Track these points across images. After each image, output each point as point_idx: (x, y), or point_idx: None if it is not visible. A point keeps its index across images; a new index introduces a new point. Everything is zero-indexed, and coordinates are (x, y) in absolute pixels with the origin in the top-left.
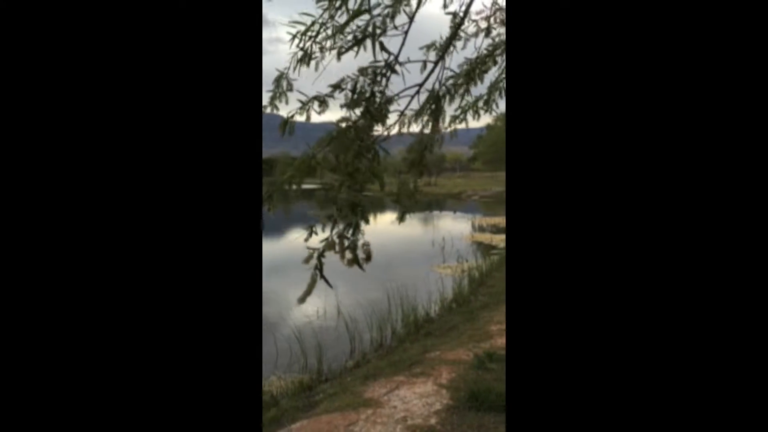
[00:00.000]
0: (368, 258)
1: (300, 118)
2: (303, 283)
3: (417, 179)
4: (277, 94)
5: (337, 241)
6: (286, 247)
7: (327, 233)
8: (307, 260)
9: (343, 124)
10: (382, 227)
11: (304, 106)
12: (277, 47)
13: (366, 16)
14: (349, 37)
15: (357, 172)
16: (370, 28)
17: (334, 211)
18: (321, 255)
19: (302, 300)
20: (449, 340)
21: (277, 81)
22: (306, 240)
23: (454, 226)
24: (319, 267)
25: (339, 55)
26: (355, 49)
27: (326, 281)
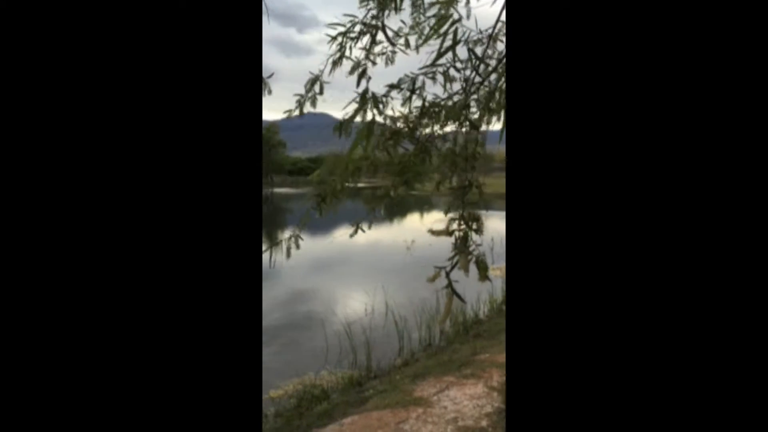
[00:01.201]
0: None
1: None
2: (347, 280)
3: (477, 177)
4: (308, 98)
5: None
6: (329, 245)
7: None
8: (433, 279)
9: (399, 123)
10: (431, 226)
11: (363, 105)
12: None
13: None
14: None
15: (409, 170)
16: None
17: (381, 211)
18: (448, 273)
19: (443, 321)
20: (498, 343)
21: (311, 83)
22: (351, 236)
23: (503, 227)
24: (450, 284)
25: (435, 66)
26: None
27: (459, 297)
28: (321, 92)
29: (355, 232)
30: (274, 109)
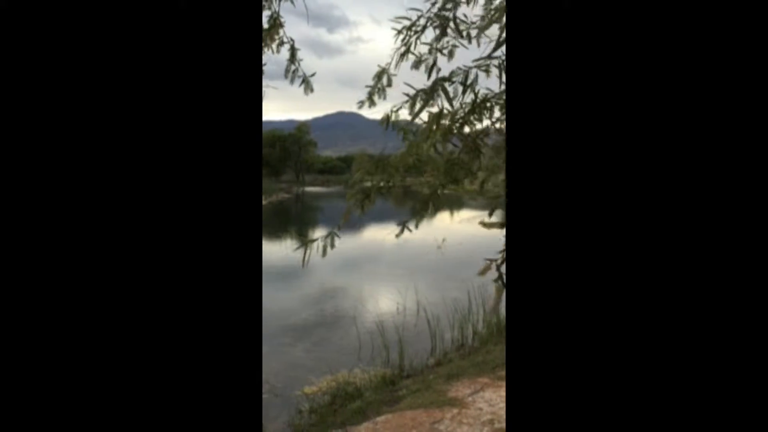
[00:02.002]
0: None
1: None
2: (377, 278)
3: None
4: (377, 89)
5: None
6: (359, 243)
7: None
8: (483, 272)
9: (446, 121)
10: (461, 225)
11: (414, 99)
12: (357, 46)
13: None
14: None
15: (459, 167)
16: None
17: (418, 209)
18: (499, 266)
19: (494, 311)
20: None
21: (378, 76)
22: (397, 236)
23: None
24: (501, 277)
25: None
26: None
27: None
28: (389, 84)
29: (402, 231)
30: (306, 109)
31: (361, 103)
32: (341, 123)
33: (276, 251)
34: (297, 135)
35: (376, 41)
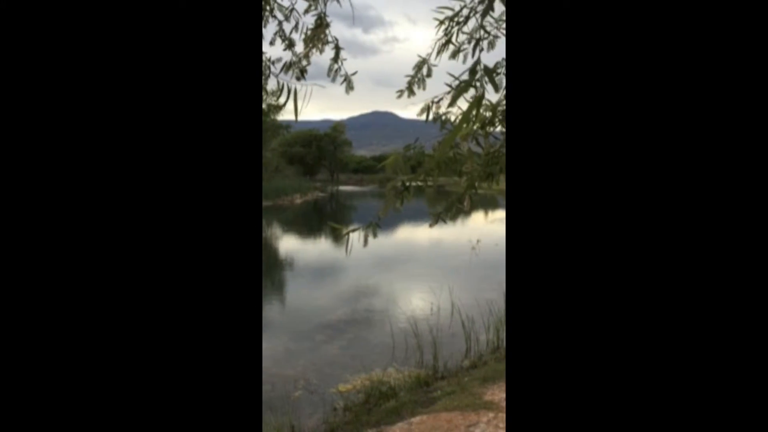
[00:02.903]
0: None
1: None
2: (411, 278)
3: None
4: (416, 80)
5: None
6: (392, 242)
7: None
8: None
9: (488, 113)
10: (496, 226)
11: (456, 89)
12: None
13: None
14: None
15: (496, 162)
16: None
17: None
18: None
19: None
20: None
21: (419, 66)
22: (431, 226)
23: None
24: None
25: None
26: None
27: None
28: (429, 74)
29: (436, 221)
30: (341, 108)
31: (400, 93)
32: (376, 122)
33: (311, 249)
34: (332, 134)
35: (411, 41)
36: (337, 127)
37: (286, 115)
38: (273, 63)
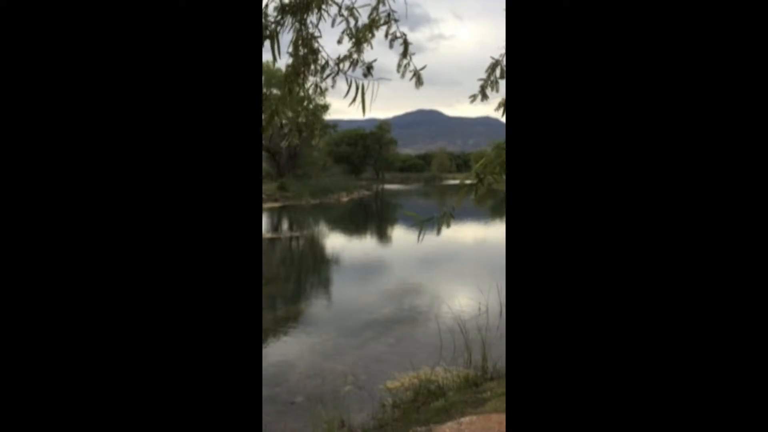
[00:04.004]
0: None
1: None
2: (457, 277)
3: None
4: (489, 82)
5: None
6: (439, 241)
7: None
8: None
9: None
10: None
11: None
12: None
13: None
14: None
15: None
16: None
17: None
18: None
19: None
20: None
21: (492, 68)
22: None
23: None
24: None
25: None
26: None
27: None
28: (503, 76)
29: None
30: (387, 107)
31: (473, 98)
32: (421, 121)
33: (356, 247)
34: (378, 133)
35: (457, 38)
36: (382, 125)
37: (333, 114)
38: (341, 61)
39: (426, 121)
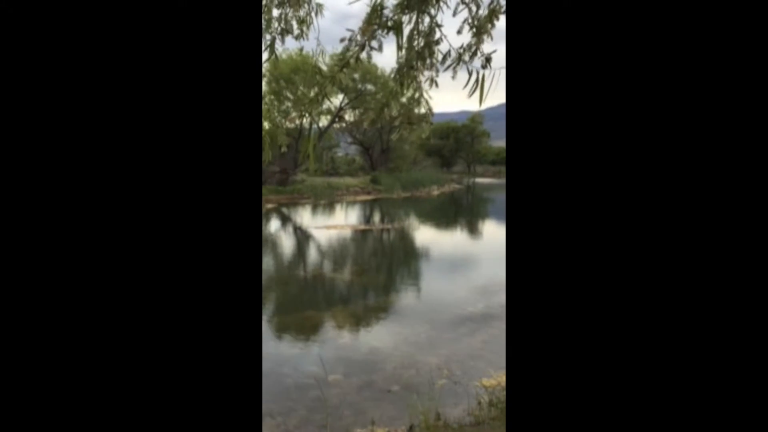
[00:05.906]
0: None
1: None
2: (493, 277)
3: None
4: None
5: None
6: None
7: None
8: None
9: None
10: None
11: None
12: None
13: None
14: None
15: None
16: None
17: None
18: None
19: None
20: None
21: None
22: None
23: None
24: None
25: None
26: None
27: None
28: None
29: None
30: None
31: None
32: (497, 115)
33: (447, 241)
34: (470, 126)
35: None
36: (474, 118)
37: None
38: (464, 51)
39: (500, 115)
